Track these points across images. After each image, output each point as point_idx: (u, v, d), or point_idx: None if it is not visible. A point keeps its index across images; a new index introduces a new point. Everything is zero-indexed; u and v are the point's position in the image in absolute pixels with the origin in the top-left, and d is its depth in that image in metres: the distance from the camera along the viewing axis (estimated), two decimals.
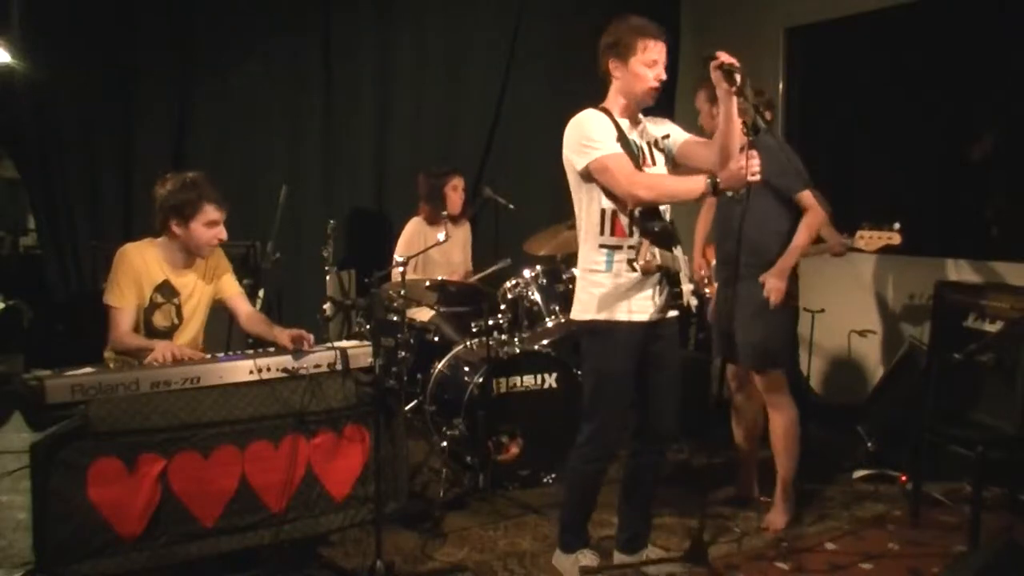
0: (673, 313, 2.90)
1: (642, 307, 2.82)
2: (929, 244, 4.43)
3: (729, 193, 3.21)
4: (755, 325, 3.35)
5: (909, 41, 4.86)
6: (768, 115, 3.78)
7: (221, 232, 3.09)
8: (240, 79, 4.81)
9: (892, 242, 3.63)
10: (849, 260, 4.02)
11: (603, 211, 2.79)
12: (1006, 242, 4.53)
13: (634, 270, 2.77)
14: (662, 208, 2.86)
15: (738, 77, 2.59)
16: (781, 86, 5.46)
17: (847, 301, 4.94)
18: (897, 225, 3.59)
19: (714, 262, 3.92)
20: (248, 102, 4.88)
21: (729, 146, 2.71)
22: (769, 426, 3.48)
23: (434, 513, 3.50)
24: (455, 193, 4.67)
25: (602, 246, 2.81)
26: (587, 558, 3.01)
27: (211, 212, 3.04)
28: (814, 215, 3.36)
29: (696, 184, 2.68)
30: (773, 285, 3.32)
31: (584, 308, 2.86)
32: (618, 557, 3.09)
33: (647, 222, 2.77)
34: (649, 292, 2.83)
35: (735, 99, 2.63)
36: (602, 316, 2.81)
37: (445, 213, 4.64)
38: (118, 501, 2.49)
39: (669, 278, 2.84)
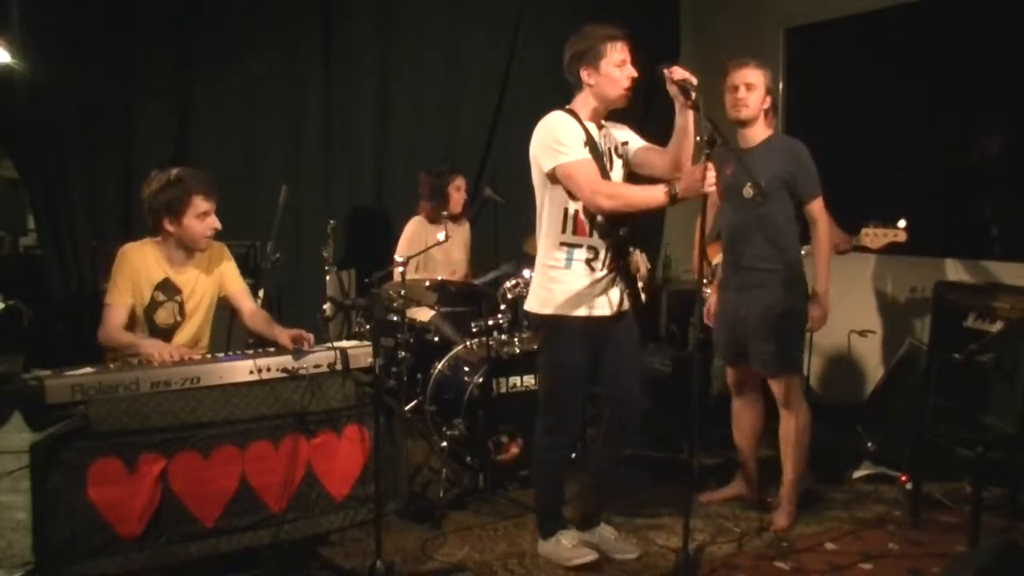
0: (626, 306, 3.02)
1: (600, 304, 2.93)
2: (929, 244, 4.43)
3: (748, 195, 3.25)
4: (773, 332, 3.33)
5: (909, 41, 4.86)
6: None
7: (214, 222, 3.08)
8: (240, 79, 4.81)
9: (897, 239, 3.63)
10: (849, 259, 4.02)
11: (566, 210, 2.89)
12: (1006, 242, 4.53)
13: (592, 269, 2.89)
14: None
15: (693, 93, 2.72)
16: (781, 86, 5.45)
17: (847, 301, 4.93)
18: (903, 223, 3.59)
19: (715, 261, 3.91)
20: (248, 102, 4.88)
21: (681, 157, 2.85)
22: (780, 428, 3.46)
23: (434, 513, 3.50)
24: (458, 193, 4.68)
25: (563, 244, 2.91)
26: (567, 537, 3.10)
27: (201, 204, 3.03)
28: (825, 224, 3.37)
29: (656, 194, 2.78)
30: (820, 315, 3.35)
31: (543, 303, 2.95)
32: (575, 534, 3.15)
33: (614, 226, 2.90)
34: (606, 290, 2.94)
35: (691, 113, 2.77)
36: (561, 312, 2.90)
37: (445, 213, 4.65)
38: (118, 501, 2.49)
39: (627, 277, 2.95)
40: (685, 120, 2.82)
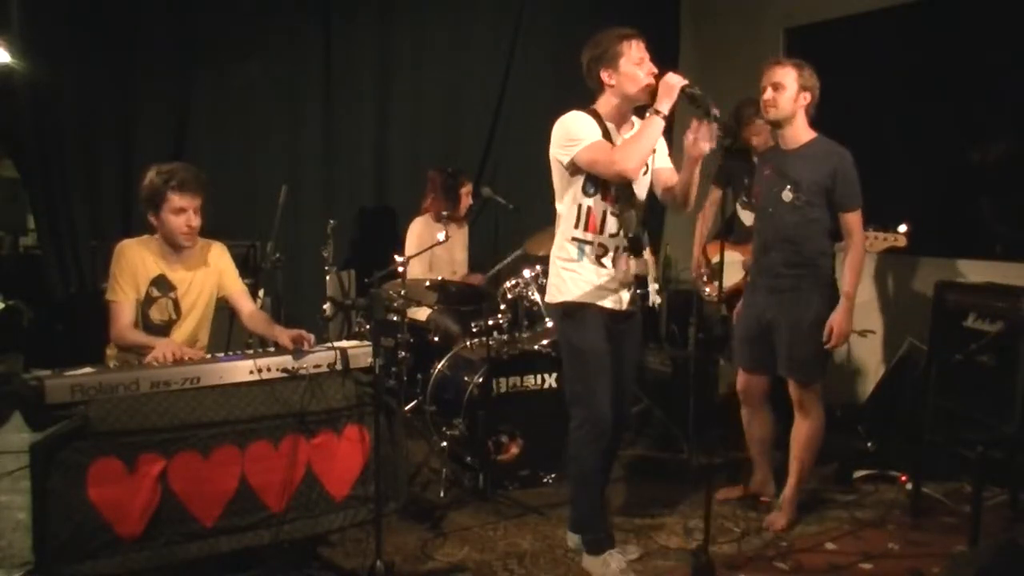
0: (635, 307, 3.04)
1: (610, 299, 2.96)
2: (929, 244, 4.43)
3: (787, 199, 3.21)
4: (807, 340, 3.28)
5: (909, 41, 4.86)
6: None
7: (190, 219, 3.05)
8: (240, 79, 4.81)
9: (897, 244, 3.61)
10: None
11: (580, 206, 2.93)
12: (1006, 242, 4.53)
13: (602, 266, 2.94)
14: (636, 213, 2.98)
15: (713, 111, 2.71)
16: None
17: None
18: (903, 228, 3.57)
19: (714, 260, 3.90)
20: (248, 102, 4.88)
21: (689, 186, 2.88)
22: (793, 431, 3.44)
23: (434, 513, 3.50)
24: (467, 198, 4.77)
25: (575, 239, 2.95)
26: (616, 559, 2.99)
27: (175, 200, 3.01)
28: (860, 237, 3.29)
29: (653, 125, 2.79)
30: (842, 329, 3.24)
31: (558, 291, 2.98)
32: (571, 538, 3.17)
33: (624, 227, 2.95)
34: (618, 289, 2.96)
35: (701, 156, 2.78)
36: (577, 299, 2.94)
37: (446, 213, 4.67)
38: (118, 501, 2.48)
39: (638, 280, 2.99)
40: (692, 170, 2.82)
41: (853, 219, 3.28)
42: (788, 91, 3.26)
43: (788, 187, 3.29)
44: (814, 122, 3.37)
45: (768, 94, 3.30)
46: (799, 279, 3.31)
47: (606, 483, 3.21)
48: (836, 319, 3.24)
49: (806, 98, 3.30)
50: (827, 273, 3.34)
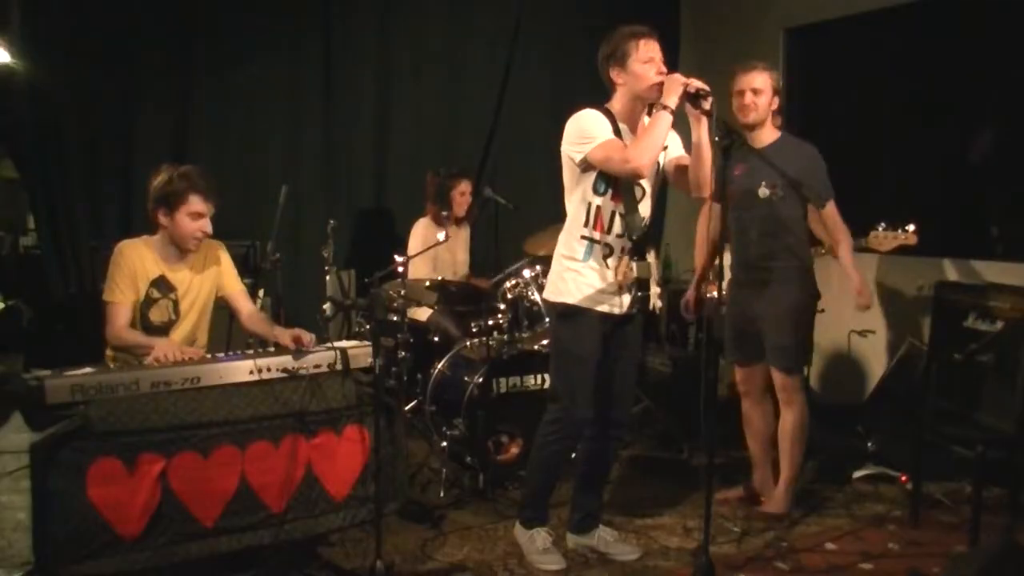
0: (635, 309, 3.05)
1: (610, 302, 2.98)
2: (929, 244, 4.42)
3: (763, 195, 3.27)
4: (787, 328, 3.37)
5: (909, 41, 4.86)
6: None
7: (205, 225, 3.06)
8: (240, 79, 4.81)
9: (908, 242, 3.65)
10: None
11: (589, 205, 2.94)
12: (1006, 242, 4.53)
13: (607, 267, 2.96)
14: (643, 216, 2.98)
15: (705, 103, 2.72)
16: (781, 86, 5.45)
17: (847, 301, 4.92)
18: (911, 227, 3.61)
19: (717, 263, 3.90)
20: (248, 102, 4.88)
21: (700, 173, 2.88)
22: (780, 424, 3.49)
23: (434, 513, 3.50)
24: (462, 198, 4.72)
25: (583, 238, 2.97)
26: (541, 537, 3.12)
27: (196, 203, 3.01)
28: (843, 226, 3.43)
29: (662, 121, 2.80)
30: (861, 289, 3.50)
31: (559, 291, 3.00)
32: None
33: (630, 228, 2.97)
34: (617, 290, 2.98)
35: (705, 123, 2.79)
36: (575, 302, 2.95)
37: (446, 214, 4.66)
38: (118, 501, 2.49)
39: (640, 283, 3.00)
40: (699, 135, 2.83)
41: (830, 210, 3.40)
42: (766, 95, 3.40)
43: (763, 183, 3.36)
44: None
45: (748, 98, 3.39)
46: (778, 271, 3.40)
47: (605, 479, 3.27)
48: (856, 287, 3.52)
49: (777, 101, 3.44)
50: (804, 262, 3.42)
